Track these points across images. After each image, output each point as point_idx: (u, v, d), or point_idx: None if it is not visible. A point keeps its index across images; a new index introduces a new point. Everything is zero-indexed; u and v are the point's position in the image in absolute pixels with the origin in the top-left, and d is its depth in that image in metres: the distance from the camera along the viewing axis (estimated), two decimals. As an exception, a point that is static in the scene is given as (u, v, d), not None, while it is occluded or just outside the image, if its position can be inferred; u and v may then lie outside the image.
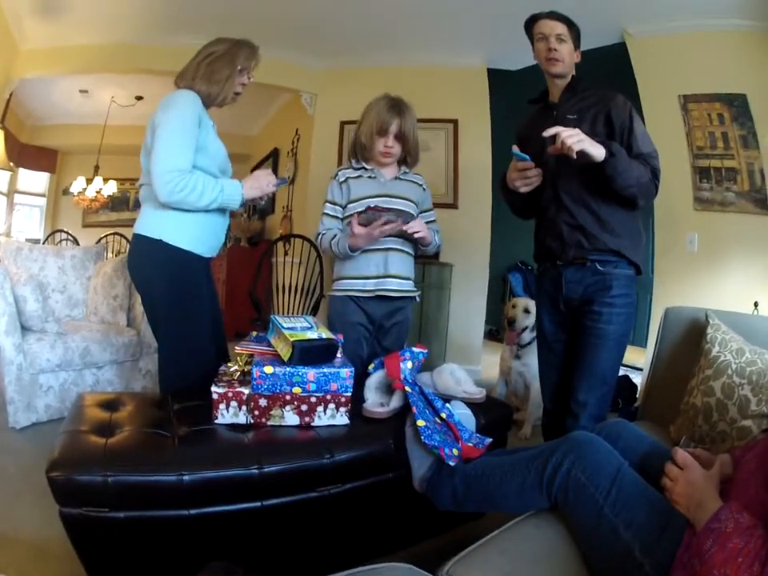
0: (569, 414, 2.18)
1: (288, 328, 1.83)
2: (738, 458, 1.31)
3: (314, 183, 5.22)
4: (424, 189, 2.62)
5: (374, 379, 2.01)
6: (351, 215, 2.42)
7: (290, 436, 1.75)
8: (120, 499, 1.47)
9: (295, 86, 5.18)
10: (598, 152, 1.96)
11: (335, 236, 2.47)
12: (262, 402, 1.74)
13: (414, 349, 2.02)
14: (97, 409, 1.87)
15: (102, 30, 4.79)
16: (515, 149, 2.09)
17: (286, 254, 4.99)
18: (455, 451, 1.62)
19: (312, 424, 1.79)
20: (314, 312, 4.32)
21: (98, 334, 3.50)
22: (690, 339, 2.13)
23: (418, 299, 2.64)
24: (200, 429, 1.73)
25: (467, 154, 5.08)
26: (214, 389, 1.74)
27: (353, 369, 1.80)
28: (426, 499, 1.64)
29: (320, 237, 2.54)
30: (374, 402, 1.93)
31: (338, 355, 1.87)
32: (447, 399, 1.92)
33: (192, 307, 2.21)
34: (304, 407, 1.77)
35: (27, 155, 7.79)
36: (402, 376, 1.91)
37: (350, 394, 1.80)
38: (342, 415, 1.81)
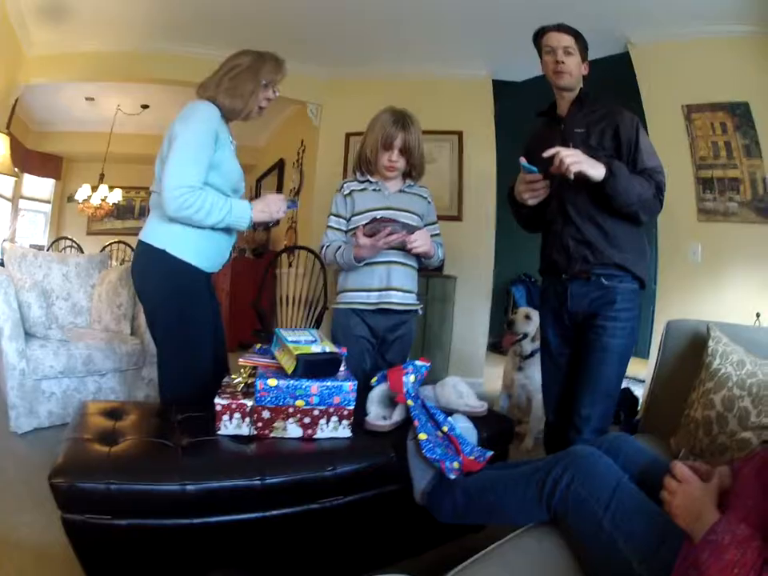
0: (571, 427, 2.18)
1: (292, 341, 1.83)
2: (737, 469, 1.31)
3: (319, 195, 5.22)
4: (429, 202, 2.63)
5: (377, 392, 2.01)
6: (356, 228, 2.42)
7: (293, 448, 1.75)
8: (122, 507, 1.48)
9: (301, 97, 5.19)
10: (596, 173, 1.99)
11: (340, 247, 2.48)
12: (266, 414, 1.75)
13: (417, 362, 2.03)
14: (100, 417, 1.87)
15: (107, 38, 4.81)
16: (523, 161, 2.09)
17: (290, 265, 5.01)
18: (456, 464, 1.62)
19: (314, 436, 1.79)
20: (318, 324, 4.32)
21: (102, 342, 3.51)
22: (691, 352, 2.13)
23: (420, 312, 2.64)
24: (203, 439, 1.73)
25: (472, 166, 5.09)
26: (217, 400, 1.75)
27: (356, 382, 1.81)
28: (427, 512, 1.64)
29: (324, 249, 2.55)
30: (377, 415, 1.93)
31: (342, 368, 1.88)
32: (449, 412, 1.93)
33: (191, 317, 2.20)
34: (307, 420, 1.77)
35: (32, 161, 7.83)
36: (404, 389, 1.92)
37: (352, 407, 1.80)
38: (344, 428, 1.81)
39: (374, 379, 2.12)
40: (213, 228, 2.17)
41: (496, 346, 6.52)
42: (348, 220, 2.54)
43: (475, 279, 5.03)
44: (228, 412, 1.75)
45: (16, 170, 4.40)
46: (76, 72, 5.22)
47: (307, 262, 4.48)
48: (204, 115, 2.13)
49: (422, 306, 2.63)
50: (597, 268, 2.15)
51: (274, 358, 1.90)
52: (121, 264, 6.25)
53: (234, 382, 1.88)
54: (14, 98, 5.05)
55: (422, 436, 1.68)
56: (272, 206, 2.26)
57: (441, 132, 4.99)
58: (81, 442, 1.65)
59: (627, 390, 3.99)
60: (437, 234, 2.65)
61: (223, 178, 2.20)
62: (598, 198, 2.10)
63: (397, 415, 1.92)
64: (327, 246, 2.54)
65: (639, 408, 3.85)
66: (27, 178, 8.08)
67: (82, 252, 6.63)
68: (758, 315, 3.30)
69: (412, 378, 1.96)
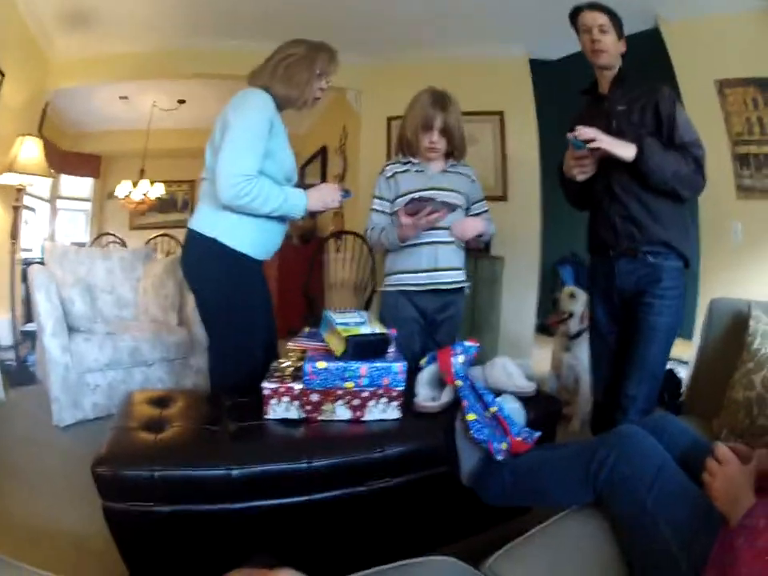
0: (617, 407, 2.19)
1: (341, 323, 1.84)
2: None
3: (364, 180, 5.16)
4: (473, 180, 2.62)
5: (426, 373, 2.01)
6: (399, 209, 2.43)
7: (341, 430, 1.77)
8: (166, 494, 1.49)
9: (340, 84, 5.12)
10: (625, 152, 2.06)
11: (383, 229, 2.49)
12: (314, 397, 1.76)
13: (466, 343, 2.03)
14: (146, 406, 1.90)
15: (135, 38, 4.85)
16: (571, 136, 2.09)
17: (337, 250, 5.02)
18: (504, 446, 1.61)
19: (363, 418, 1.80)
20: (367, 307, 4.33)
21: (148, 333, 3.57)
22: (733, 332, 2.09)
23: (467, 291, 2.63)
24: (251, 424, 1.75)
25: (514, 145, 5.04)
26: (265, 384, 1.76)
27: (405, 363, 1.81)
28: (474, 494, 1.64)
29: (369, 231, 2.57)
30: (426, 397, 1.93)
31: (391, 350, 1.88)
32: (498, 393, 1.92)
33: (242, 305, 2.20)
34: (356, 402, 1.78)
35: (70, 162, 7.97)
36: (453, 370, 1.92)
37: (401, 388, 1.80)
38: (393, 409, 1.82)
39: (424, 360, 2.13)
40: (266, 216, 2.16)
41: (544, 327, 6.49)
42: (392, 202, 2.54)
43: (522, 260, 4.98)
44: (276, 396, 1.76)
45: (52, 171, 4.49)
46: (106, 74, 5.28)
47: (355, 246, 4.49)
48: (258, 103, 2.12)
49: (469, 284, 2.62)
50: (643, 245, 2.16)
51: (322, 341, 1.92)
52: (166, 256, 6.34)
53: (283, 366, 1.89)
54: (42, 103, 5.12)
55: (471, 416, 1.67)
56: (326, 196, 2.26)
57: (481, 113, 4.94)
58: (126, 430, 1.68)
59: (671, 372, 3.93)
60: (485, 211, 2.65)
61: (277, 167, 2.19)
62: (639, 177, 2.11)
63: (446, 396, 1.92)
64: (372, 229, 2.56)
65: (683, 390, 3.80)
66: (65, 178, 8.25)
67: (126, 246, 6.76)
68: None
69: (461, 358, 1.96)
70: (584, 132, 2.04)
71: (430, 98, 2.44)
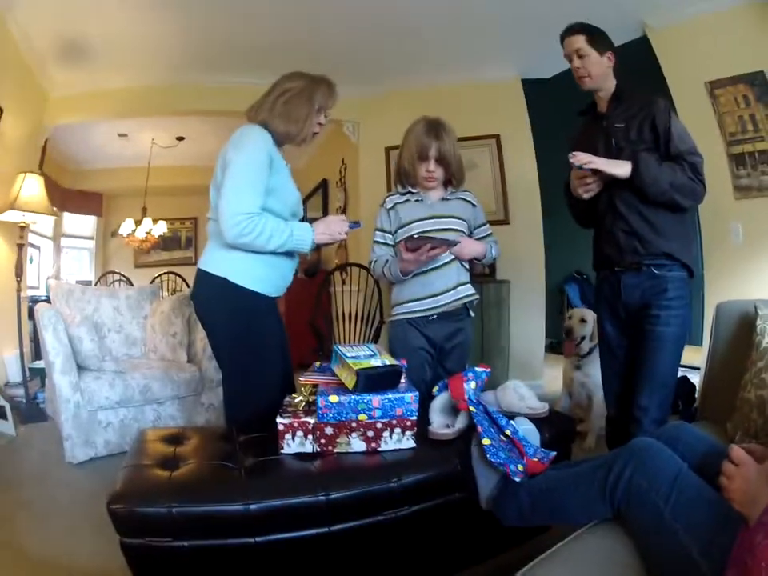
0: (631, 419, 2.20)
1: (352, 357, 1.84)
2: None
3: (366, 210, 5.19)
4: (474, 205, 2.63)
5: (439, 401, 2.02)
6: (402, 240, 2.44)
7: (357, 462, 1.76)
8: (184, 529, 1.49)
9: (337, 116, 5.14)
10: (620, 170, 2.12)
11: (387, 261, 2.51)
12: (328, 431, 1.76)
13: (477, 368, 2.03)
14: (160, 443, 1.90)
15: (133, 74, 4.91)
16: (571, 158, 2.14)
17: (343, 282, 5.04)
18: (520, 467, 1.62)
19: (379, 449, 1.80)
20: (376, 339, 4.33)
21: (158, 371, 3.57)
22: (742, 333, 2.11)
23: (472, 314, 2.63)
24: (266, 459, 1.75)
25: (513, 167, 5.08)
26: (279, 420, 1.76)
27: (417, 393, 1.81)
28: (492, 517, 1.64)
29: (373, 264, 2.58)
30: (440, 424, 1.93)
31: (402, 380, 1.88)
32: (511, 416, 1.92)
33: (254, 343, 2.19)
34: (370, 433, 1.79)
35: (72, 200, 8.03)
36: (465, 396, 1.92)
37: (415, 417, 1.81)
38: (408, 439, 1.82)
39: (436, 388, 2.14)
40: (274, 253, 2.15)
41: (554, 347, 6.46)
42: (394, 233, 2.56)
43: (528, 281, 5.00)
44: (290, 431, 1.76)
45: (54, 209, 4.52)
46: (104, 110, 5.34)
47: (360, 278, 4.50)
48: (257, 140, 2.12)
49: (477, 296, 2.61)
50: (647, 258, 2.19)
51: (333, 374, 1.92)
52: (172, 294, 6.37)
53: (296, 401, 1.88)
54: (42, 140, 5.15)
55: (486, 441, 1.68)
56: (333, 227, 2.24)
57: (478, 137, 4.99)
58: (140, 468, 1.68)
59: (684, 379, 3.93)
60: (489, 234, 2.66)
61: (281, 203, 2.19)
62: (639, 192, 2.15)
63: (460, 423, 1.92)
64: (375, 261, 2.57)
65: (697, 395, 3.79)
66: (68, 216, 8.30)
67: (131, 285, 6.79)
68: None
69: (473, 384, 1.96)
70: (579, 158, 2.11)
71: (424, 127, 2.45)
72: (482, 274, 2.67)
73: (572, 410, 3.68)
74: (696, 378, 4.08)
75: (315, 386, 1.90)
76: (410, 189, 2.56)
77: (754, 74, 3.52)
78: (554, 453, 1.73)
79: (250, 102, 2.31)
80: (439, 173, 2.49)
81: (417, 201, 2.54)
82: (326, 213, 6.85)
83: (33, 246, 6.48)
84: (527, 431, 1.82)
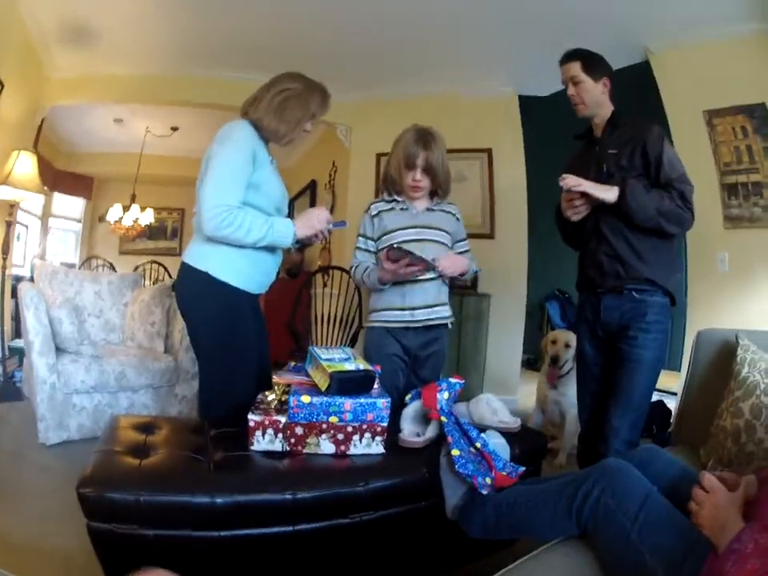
0: (601, 438, 2.21)
1: (326, 359, 1.84)
2: (763, 478, 1.30)
3: (352, 215, 5.14)
4: (457, 219, 2.63)
5: (411, 409, 2.02)
6: (385, 247, 2.43)
7: (326, 464, 1.76)
8: (150, 518, 1.49)
9: (331, 119, 5.16)
10: (607, 195, 2.14)
11: (367, 268, 2.50)
12: (299, 431, 1.76)
13: (451, 379, 2.03)
14: (132, 431, 1.90)
15: (133, 61, 4.90)
16: (561, 181, 2.17)
17: (324, 285, 5.03)
18: (488, 480, 1.62)
19: (348, 453, 1.80)
20: (353, 343, 4.33)
21: (135, 358, 3.56)
22: (721, 361, 2.12)
23: (451, 326, 2.63)
24: (235, 455, 1.74)
25: (502, 182, 5.08)
26: (251, 416, 1.76)
27: (389, 399, 1.81)
28: (458, 527, 1.65)
29: (353, 269, 2.58)
30: (411, 432, 1.93)
31: (375, 386, 1.88)
32: (483, 429, 1.92)
33: (233, 339, 2.19)
34: (340, 436, 1.78)
35: (62, 181, 7.97)
36: (438, 406, 1.91)
37: (386, 423, 1.81)
38: (377, 444, 1.81)
39: (408, 396, 2.13)
40: (255, 248, 2.15)
41: (530, 363, 6.47)
42: (376, 240, 2.55)
43: (509, 297, 5.00)
44: (261, 428, 1.76)
45: (45, 188, 4.49)
46: (102, 94, 5.32)
47: (342, 281, 4.49)
48: (239, 135, 2.13)
49: (452, 318, 2.62)
50: (629, 283, 2.21)
51: (307, 375, 1.92)
52: (154, 284, 6.33)
53: (269, 399, 1.88)
54: (39, 119, 5.12)
55: (455, 452, 1.68)
56: (312, 219, 2.24)
57: (470, 150, 4.98)
58: (111, 454, 1.68)
59: (660, 403, 3.94)
60: (467, 250, 2.66)
61: (265, 198, 2.19)
62: (625, 217, 2.18)
63: (430, 432, 1.92)
64: (356, 267, 2.56)
65: (672, 420, 3.80)
66: (58, 197, 8.22)
67: (115, 271, 6.75)
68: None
69: (446, 394, 1.96)
70: (567, 182, 2.14)
71: (414, 135, 2.44)
72: (464, 286, 2.65)
73: (544, 427, 3.69)
74: (672, 403, 4.10)
75: (288, 385, 1.90)
76: (395, 197, 2.55)
77: (754, 105, 3.54)
78: (524, 468, 1.73)
79: (245, 98, 2.30)
80: (426, 182, 2.48)
81: (402, 209, 2.53)
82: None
83: (21, 224, 6.42)
84: (497, 445, 1.82)
